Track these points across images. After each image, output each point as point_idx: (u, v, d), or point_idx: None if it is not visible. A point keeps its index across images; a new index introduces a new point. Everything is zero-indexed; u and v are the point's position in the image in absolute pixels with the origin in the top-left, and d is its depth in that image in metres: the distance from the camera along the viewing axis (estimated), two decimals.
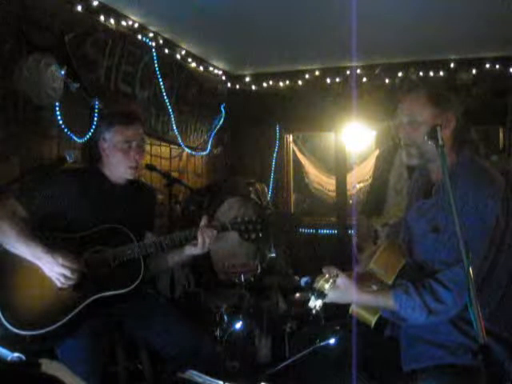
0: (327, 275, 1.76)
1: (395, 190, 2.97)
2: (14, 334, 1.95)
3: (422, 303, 1.68)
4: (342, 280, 1.75)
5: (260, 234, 2.34)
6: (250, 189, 4.75)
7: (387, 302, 1.73)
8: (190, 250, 2.32)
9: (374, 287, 1.77)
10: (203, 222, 2.31)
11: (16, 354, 1.48)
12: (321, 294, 1.71)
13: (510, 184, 1.78)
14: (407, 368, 1.81)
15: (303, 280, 1.79)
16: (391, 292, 1.74)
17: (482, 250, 1.68)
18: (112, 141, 2.33)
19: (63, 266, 2.02)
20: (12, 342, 1.87)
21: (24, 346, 1.91)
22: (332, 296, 1.73)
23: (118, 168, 2.35)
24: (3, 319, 1.96)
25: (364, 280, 1.81)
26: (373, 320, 1.84)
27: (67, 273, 2.03)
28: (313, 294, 1.71)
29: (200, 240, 2.27)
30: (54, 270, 2.03)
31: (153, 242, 2.24)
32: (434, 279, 1.70)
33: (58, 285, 2.05)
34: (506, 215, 1.71)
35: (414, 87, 4.38)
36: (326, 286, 1.72)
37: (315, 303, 1.71)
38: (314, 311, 1.74)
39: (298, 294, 1.88)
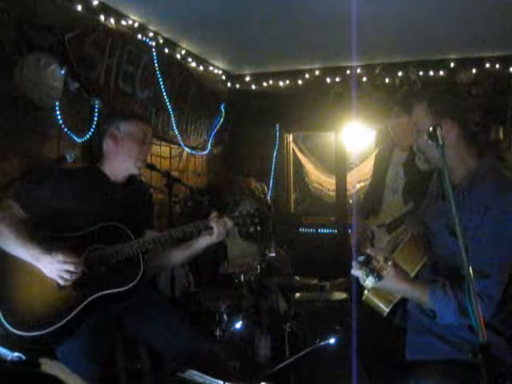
0: (384, 260, 1.74)
1: (392, 189, 2.97)
2: (14, 335, 1.95)
3: (457, 304, 1.68)
4: (391, 267, 1.74)
5: (258, 228, 2.34)
6: (250, 188, 4.74)
7: (423, 295, 1.75)
8: (206, 240, 2.34)
9: None
10: (214, 214, 2.35)
11: (16, 354, 1.48)
12: (378, 276, 1.70)
13: None
14: (411, 358, 1.82)
15: (361, 257, 1.78)
16: (429, 286, 1.75)
17: (506, 260, 1.68)
18: (128, 130, 2.35)
19: (65, 262, 2.01)
20: (12, 342, 1.87)
21: (24, 346, 1.90)
22: (381, 282, 1.73)
23: (127, 160, 2.35)
24: (3, 320, 1.96)
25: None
26: (386, 309, 1.85)
27: (71, 267, 2.02)
28: (372, 274, 1.70)
29: (216, 229, 2.30)
30: (56, 267, 2.01)
31: (151, 239, 2.24)
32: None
33: (61, 283, 2.04)
34: None
35: (413, 86, 4.37)
36: (385, 270, 1.72)
37: (371, 283, 1.71)
38: (366, 291, 1.78)
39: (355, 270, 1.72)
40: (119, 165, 2.37)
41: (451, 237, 1.79)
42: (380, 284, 1.73)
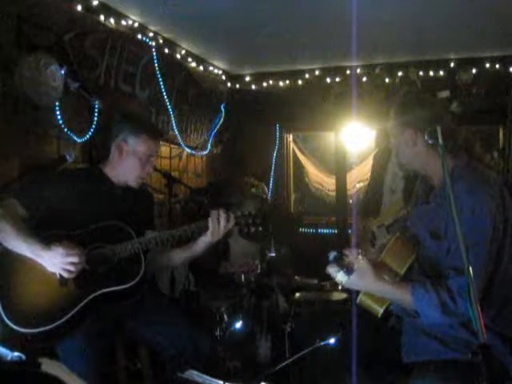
0: (356, 255, 1.78)
1: (391, 190, 2.98)
2: (16, 333, 1.95)
3: (439, 301, 1.68)
4: (363, 263, 1.77)
5: (260, 228, 2.34)
6: (250, 188, 4.75)
7: (403, 294, 1.74)
8: (203, 240, 2.32)
9: (386, 277, 1.78)
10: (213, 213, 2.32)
11: (16, 354, 1.49)
12: (349, 271, 1.74)
13: (508, 186, 1.78)
14: (407, 360, 1.82)
15: (332, 254, 1.83)
16: (409, 285, 1.74)
17: (484, 254, 1.68)
18: (135, 148, 2.34)
19: (67, 254, 2.01)
20: (13, 341, 1.88)
21: (25, 345, 1.90)
22: (352, 278, 1.75)
23: (127, 173, 2.37)
24: (5, 317, 1.96)
25: (376, 269, 1.82)
26: (380, 310, 1.85)
27: (74, 259, 2.01)
28: (342, 269, 1.75)
29: (211, 226, 2.26)
30: (58, 261, 2.00)
31: (152, 238, 2.24)
32: (451, 283, 1.70)
33: (65, 275, 2.03)
34: (503, 216, 1.71)
35: (413, 86, 4.38)
36: (356, 264, 1.75)
37: (343, 279, 1.75)
38: (340, 286, 1.81)
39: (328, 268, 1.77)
40: (119, 174, 2.39)
41: (432, 239, 1.80)
42: (353, 280, 1.75)
